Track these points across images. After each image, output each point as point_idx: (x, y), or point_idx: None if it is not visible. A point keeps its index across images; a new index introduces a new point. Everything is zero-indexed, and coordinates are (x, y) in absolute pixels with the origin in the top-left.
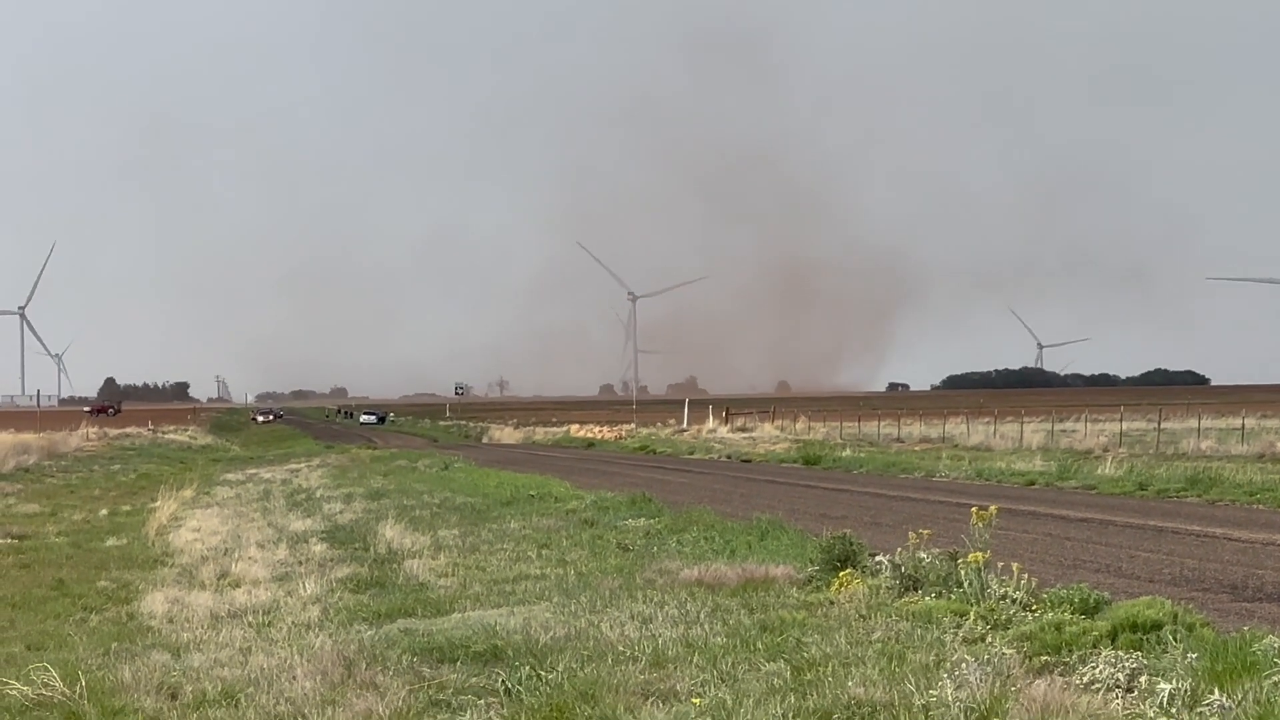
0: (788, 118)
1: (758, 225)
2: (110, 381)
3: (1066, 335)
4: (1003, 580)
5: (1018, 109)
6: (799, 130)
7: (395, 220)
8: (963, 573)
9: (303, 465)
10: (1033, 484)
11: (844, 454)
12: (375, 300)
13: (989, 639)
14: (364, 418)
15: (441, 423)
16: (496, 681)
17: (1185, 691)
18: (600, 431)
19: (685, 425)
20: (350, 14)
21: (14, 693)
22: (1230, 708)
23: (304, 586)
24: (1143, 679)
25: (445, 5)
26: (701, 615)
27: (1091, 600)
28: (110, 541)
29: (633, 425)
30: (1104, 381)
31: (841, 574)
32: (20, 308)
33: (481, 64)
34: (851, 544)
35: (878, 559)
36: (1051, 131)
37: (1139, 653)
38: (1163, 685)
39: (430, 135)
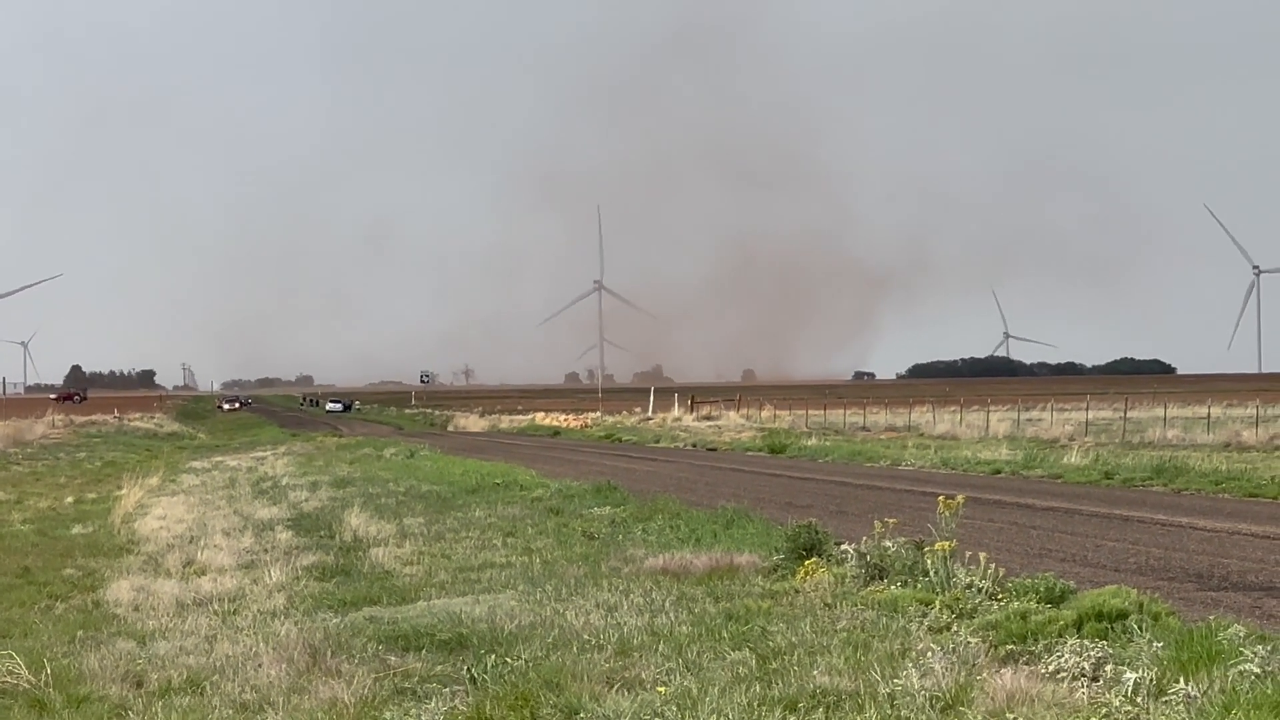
0: (757, 106)
1: (725, 213)
2: (76, 369)
3: (1033, 322)
4: (969, 569)
5: (987, 99)
6: (768, 119)
7: (363, 207)
8: (928, 562)
9: (268, 453)
10: (999, 473)
11: (809, 442)
12: (341, 288)
13: (954, 628)
14: (330, 406)
15: (407, 411)
16: (461, 669)
17: (1151, 680)
18: (565, 420)
19: (650, 413)
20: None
21: None
22: (1196, 696)
23: (269, 574)
24: (1108, 668)
25: None
26: (667, 604)
27: (1057, 589)
28: (76, 529)
29: (598, 413)
30: (1070, 370)
31: (807, 563)
32: None
33: (447, 48)
34: (817, 533)
35: (843, 548)
36: (1021, 122)
37: (1104, 642)
38: (1128, 674)
39: (393, 121)
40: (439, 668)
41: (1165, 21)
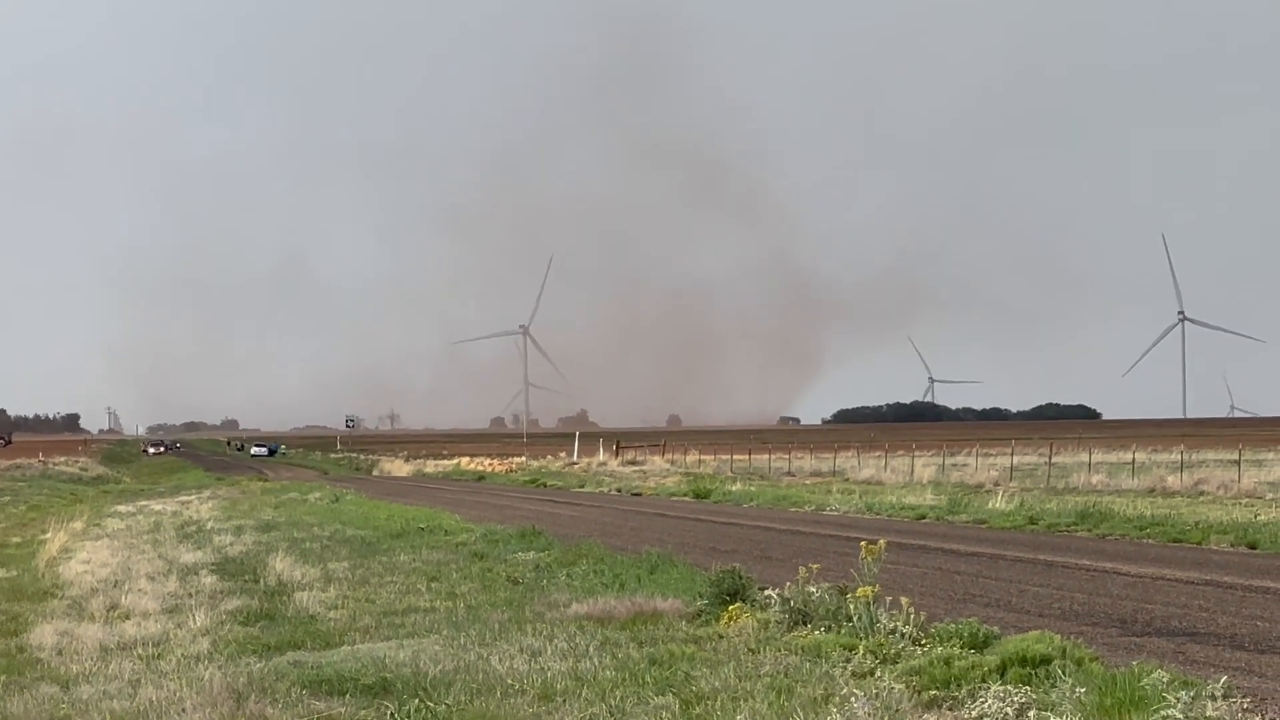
0: (675, 152)
1: (652, 257)
2: (0, 412)
3: (957, 368)
4: (892, 614)
5: (908, 144)
6: (688, 161)
7: (288, 253)
8: (852, 607)
9: (193, 497)
10: (923, 518)
11: (734, 488)
12: (267, 333)
13: (878, 673)
14: (255, 450)
15: (332, 455)
16: (385, 714)
17: None
18: (491, 464)
19: (576, 458)
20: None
21: None
22: None
23: (194, 619)
24: (1031, 714)
25: (323, 22)
26: (591, 649)
27: (981, 635)
28: None
29: (523, 458)
30: (995, 415)
31: (731, 608)
32: None
33: (367, 82)
34: (740, 578)
35: (767, 593)
36: (942, 166)
37: (1028, 687)
38: None
39: (313, 163)
40: (363, 713)
41: (1089, 71)
